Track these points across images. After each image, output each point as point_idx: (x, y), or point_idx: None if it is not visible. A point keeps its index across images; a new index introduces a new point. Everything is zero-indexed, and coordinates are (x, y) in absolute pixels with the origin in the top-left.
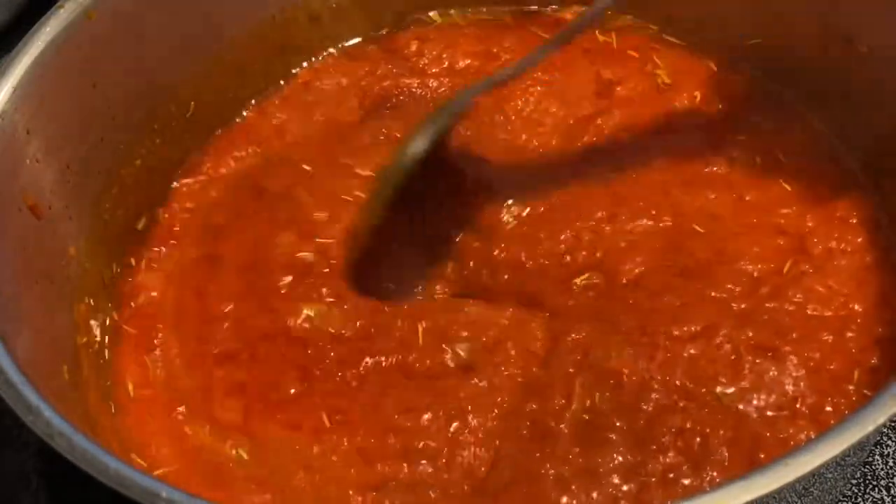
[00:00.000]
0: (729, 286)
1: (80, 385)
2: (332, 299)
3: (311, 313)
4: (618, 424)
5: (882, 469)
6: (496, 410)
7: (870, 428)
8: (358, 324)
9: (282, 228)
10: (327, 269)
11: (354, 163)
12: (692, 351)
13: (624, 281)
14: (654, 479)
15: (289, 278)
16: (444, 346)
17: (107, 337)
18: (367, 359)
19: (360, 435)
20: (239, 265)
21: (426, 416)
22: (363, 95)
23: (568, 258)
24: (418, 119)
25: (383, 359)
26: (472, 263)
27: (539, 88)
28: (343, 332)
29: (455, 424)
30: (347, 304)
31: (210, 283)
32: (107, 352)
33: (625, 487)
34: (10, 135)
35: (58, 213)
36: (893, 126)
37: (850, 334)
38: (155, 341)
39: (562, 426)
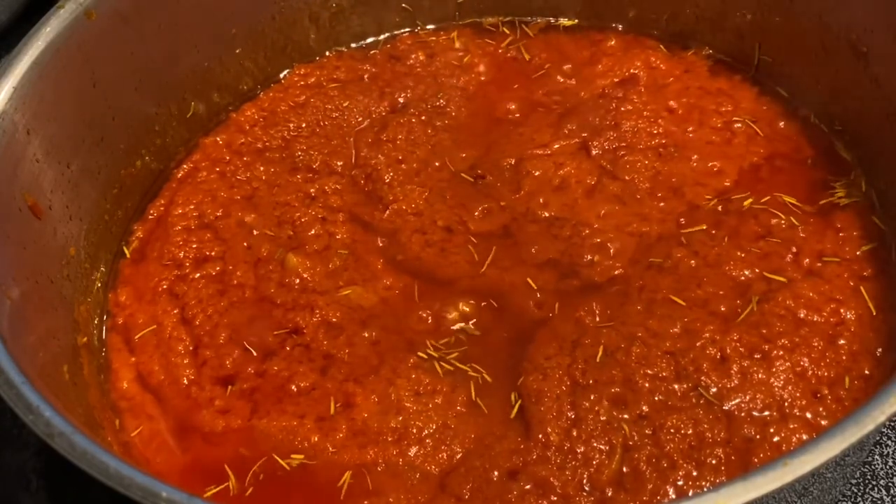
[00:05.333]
0: (710, 289)
1: (81, 385)
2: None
3: (349, 292)
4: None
5: (882, 469)
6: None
7: (869, 428)
8: (387, 300)
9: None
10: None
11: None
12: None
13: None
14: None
15: (297, 281)
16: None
17: (106, 336)
18: (388, 336)
19: (362, 418)
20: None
21: (430, 402)
22: (363, 97)
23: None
24: (420, 122)
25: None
26: None
27: None
28: (374, 307)
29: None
30: (381, 282)
31: (214, 282)
32: (105, 350)
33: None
34: (10, 135)
35: (58, 213)
36: (891, 123)
37: (842, 341)
38: (157, 339)
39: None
